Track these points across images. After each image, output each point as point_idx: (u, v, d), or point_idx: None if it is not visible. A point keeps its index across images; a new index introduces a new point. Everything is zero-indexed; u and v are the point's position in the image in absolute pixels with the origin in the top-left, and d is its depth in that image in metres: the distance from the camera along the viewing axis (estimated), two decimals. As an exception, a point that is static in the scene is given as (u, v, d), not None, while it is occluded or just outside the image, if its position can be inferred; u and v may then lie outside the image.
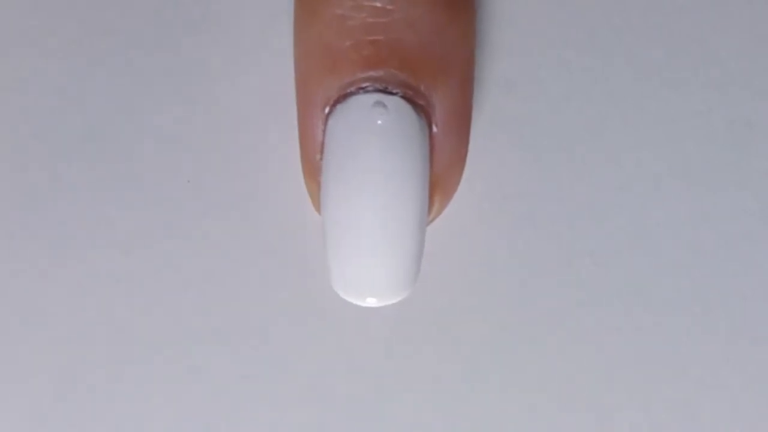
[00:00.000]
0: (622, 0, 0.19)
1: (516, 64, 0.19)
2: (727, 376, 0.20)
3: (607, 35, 0.19)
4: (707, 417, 0.20)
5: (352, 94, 0.16)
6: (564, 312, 0.20)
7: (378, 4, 0.16)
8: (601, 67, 0.19)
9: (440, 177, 0.17)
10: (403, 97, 0.16)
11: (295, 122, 0.17)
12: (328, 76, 0.16)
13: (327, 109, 0.16)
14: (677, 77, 0.19)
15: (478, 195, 0.19)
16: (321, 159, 0.17)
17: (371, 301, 0.17)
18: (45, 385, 0.20)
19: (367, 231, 0.16)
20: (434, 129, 0.16)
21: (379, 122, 0.16)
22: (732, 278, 0.20)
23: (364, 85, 0.16)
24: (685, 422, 0.20)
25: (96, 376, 0.20)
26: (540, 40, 0.19)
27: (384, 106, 0.16)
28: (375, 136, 0.16)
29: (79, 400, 0.20)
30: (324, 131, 0.16)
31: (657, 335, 0.20)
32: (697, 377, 0.20)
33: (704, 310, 0.20)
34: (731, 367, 0.20)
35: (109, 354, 0.20)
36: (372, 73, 0.16)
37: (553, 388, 0.20)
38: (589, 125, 0.19)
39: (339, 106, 0.16)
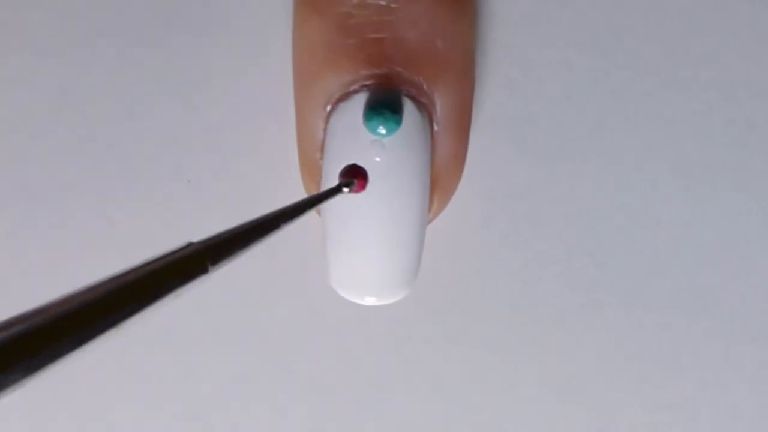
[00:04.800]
0: (622, 0, 0.19)
1: (517, 64, 0.19)
2: (727, 375, 0.20)
3: (607, 35, 0.19)
4: (707, 417, 0.20)
5: (354, 92, 0.16)
6: (564, 311, 0.20)
7: (382, 2, 0.16)
8: (601, 67, 0.19)
9: (440, 175, 0.17)
10: (407, 94, 0.16)
11: (294, 122, 0.17)
12: (330, 74, 0.16)
13: (328, 108, 0.16)
14: (677, 77, 0.19)
15: (478, 195, 0.19)
16: (321, 158, 0.17)
17: (370, 300, 0.17)
18: (45, 385, 0.20)
19: (366, 230, 0.16)
20: (435, 127, 0.16)
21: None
22: (732, 278, 0.20)
23: (366, 83, 0.16)
24: (685, 422, 0.20)
25: (96, 376, 0.20)
26: (540, 40, 0.19)
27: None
28: (378, 135, 0.16)
29: (79, 400, 0.20)
30: (325, 130, 0.16)
31: (657, 335, 0.20)
32: (697, 377, 0.20)
33: (704, 309, 0.20)
34: (731, 366, 0.20)
35: (109, 354, 0.20)
36: (375, 71, 0.16)
37: (553, 387, 0.20)
38: (589, 125, 0.19)
39: (341, 105, 0.16)
